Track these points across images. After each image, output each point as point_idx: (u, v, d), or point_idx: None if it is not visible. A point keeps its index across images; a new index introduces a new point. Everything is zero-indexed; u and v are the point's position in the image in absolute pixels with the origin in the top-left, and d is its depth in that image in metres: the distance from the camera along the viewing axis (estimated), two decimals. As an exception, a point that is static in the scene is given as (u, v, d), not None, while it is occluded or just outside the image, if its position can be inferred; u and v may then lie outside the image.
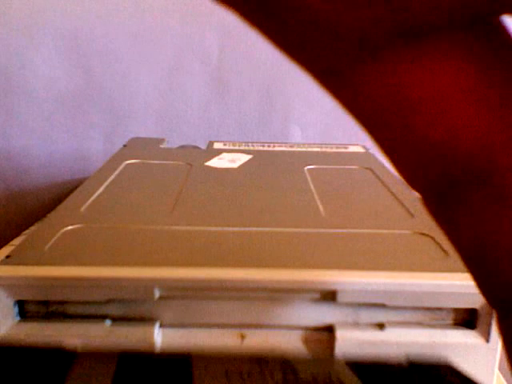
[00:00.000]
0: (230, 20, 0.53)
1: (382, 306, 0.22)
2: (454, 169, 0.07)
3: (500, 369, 0.24)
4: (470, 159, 0.07)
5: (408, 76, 0.07)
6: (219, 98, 0.56)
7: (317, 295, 0.22)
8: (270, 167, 0.39)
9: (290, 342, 0.23)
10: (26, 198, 0.57)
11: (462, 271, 0.22)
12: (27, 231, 0.41)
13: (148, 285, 0.21)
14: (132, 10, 0.53)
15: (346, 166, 0.40)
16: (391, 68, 0.07)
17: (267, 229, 0.26)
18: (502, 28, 0.07)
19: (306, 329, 0.23)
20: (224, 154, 0.42)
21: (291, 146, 0.46)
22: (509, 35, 0.07)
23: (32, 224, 0.43)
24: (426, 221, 0.28)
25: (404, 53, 0.07)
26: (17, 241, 0.37)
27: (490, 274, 0.08)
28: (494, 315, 0.08)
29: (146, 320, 0.23)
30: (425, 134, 0.07)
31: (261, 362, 0.15)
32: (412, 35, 0.07)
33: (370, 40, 0.07)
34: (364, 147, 0.46)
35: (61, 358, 0.16)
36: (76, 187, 0.33)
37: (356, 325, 0.23)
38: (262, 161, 0.41)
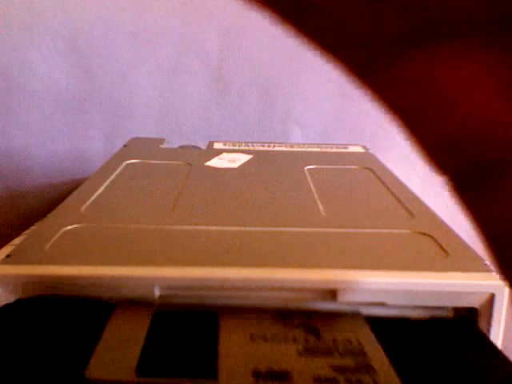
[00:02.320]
0: (230, 20, 0.53)
1: (382, 304, 0.22)
2: (489, 157, 0.08)
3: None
4: (504, 148, 0.08)
5: (439, 71, 0.07)
6: (219, 98, 0.56)
7: (317, 294, 0.22)
8: (270, 167, 0.39)
9: None
10: (26, 198, 0.57)
11: (462, 270, 0.22)
12: (27, 231, 0.41)
13: (148, 283, 0.21)
14: (132, 10, 0.53)
15: (346, 166, 0.40)
16: (422, 63, 0.07)
17: (267, 228, 0.26)
18: None
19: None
20: (224, 154, 0.42)
21: (291, 146, 0.46)
22: None
23: (32, 224, 0.43)
24: (426, 221, 0.28)
25: (434, 50, 0.07)
26: (17, 241, 0.37)
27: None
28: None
29: None
30: (456, 125, 0.08)
31: (285, 325, 0.16)
32: (442, 34, 0.07)
33: (403, 38, 0.07)
34: (364, 147, 0.46)
35: (100, 309, 0.17)
36: (76, 187, 0.33)
37: None
38: (262, 161, 0.41)
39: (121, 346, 0.16)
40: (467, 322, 0.15)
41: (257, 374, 0.14)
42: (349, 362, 0.14)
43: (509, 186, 0.08)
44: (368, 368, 0.14)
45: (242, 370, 0.14)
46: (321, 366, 0.14)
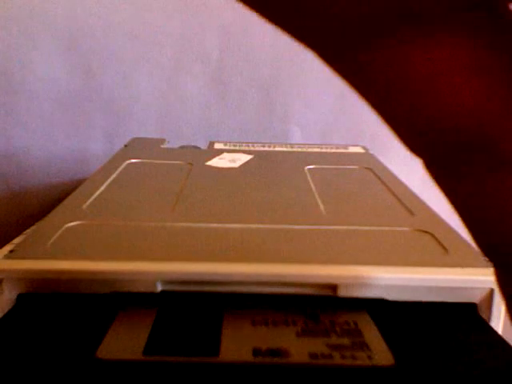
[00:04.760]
0: (230, 20, 0.53)
1: (382, 300, 0.22)
2: (461, 138, 0.08)
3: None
4: (476, 128, 0.08)
5: (412, 56, 0.07)
6: (219, 98, 0.56)
7: (318, 289, 0.22)
8: (270, 167, 0.39)
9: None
10: (26, 198, 0.57)
11: (462, 266, 0.22)
12: (28, 231, 0.41)
13: (150, 278, 0.21)
14: (132, 10, 0.53)
15: (347, 166, 0.40)
16: (394, 50, 0.07)
17: (268, 225, 0.27)
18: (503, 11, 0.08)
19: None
20: (225, 154, 0.42)
21: (291, 147, 0.46)
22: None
23: (32, 224, 0.43)
24: (425, 218, 0.28)
25: (405, 35, 0.07)
26: (17, 240, 0.37)
27: (490, 235, 0.08)
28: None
29: None
30: (430, 108, 0.08)
31: (286, 311, 0.17)
32: (413, 18, 0.07)
33: (374, 24, 0.07)
34: (364, 148, 0.46)
35: (108, 306, 0.18)
36: (76, 187, 0.33)
37: None
38: (262, 160, 0.41)
39: (130, 332, 0.17)
40: (465, 306, 0.16)
41: (256, 352, 0.15)
42: (345, 341, 0.15)
43: (482, 166, 0.08)
44: (363, 346, 0.14)
45: (243, 348, 0.16)
46: (318, 344, 0.15)
